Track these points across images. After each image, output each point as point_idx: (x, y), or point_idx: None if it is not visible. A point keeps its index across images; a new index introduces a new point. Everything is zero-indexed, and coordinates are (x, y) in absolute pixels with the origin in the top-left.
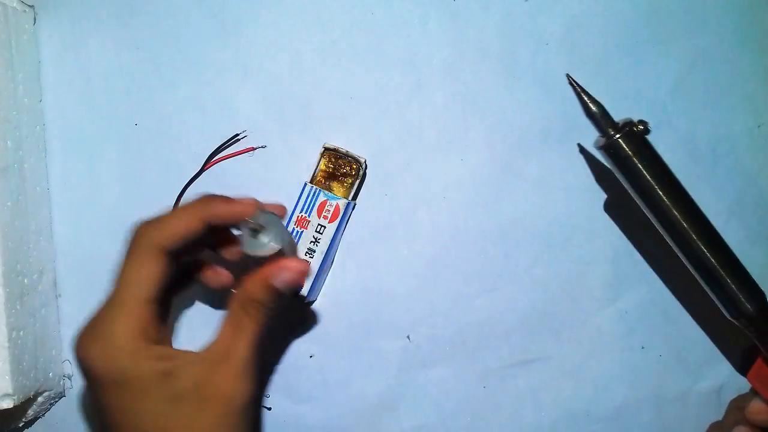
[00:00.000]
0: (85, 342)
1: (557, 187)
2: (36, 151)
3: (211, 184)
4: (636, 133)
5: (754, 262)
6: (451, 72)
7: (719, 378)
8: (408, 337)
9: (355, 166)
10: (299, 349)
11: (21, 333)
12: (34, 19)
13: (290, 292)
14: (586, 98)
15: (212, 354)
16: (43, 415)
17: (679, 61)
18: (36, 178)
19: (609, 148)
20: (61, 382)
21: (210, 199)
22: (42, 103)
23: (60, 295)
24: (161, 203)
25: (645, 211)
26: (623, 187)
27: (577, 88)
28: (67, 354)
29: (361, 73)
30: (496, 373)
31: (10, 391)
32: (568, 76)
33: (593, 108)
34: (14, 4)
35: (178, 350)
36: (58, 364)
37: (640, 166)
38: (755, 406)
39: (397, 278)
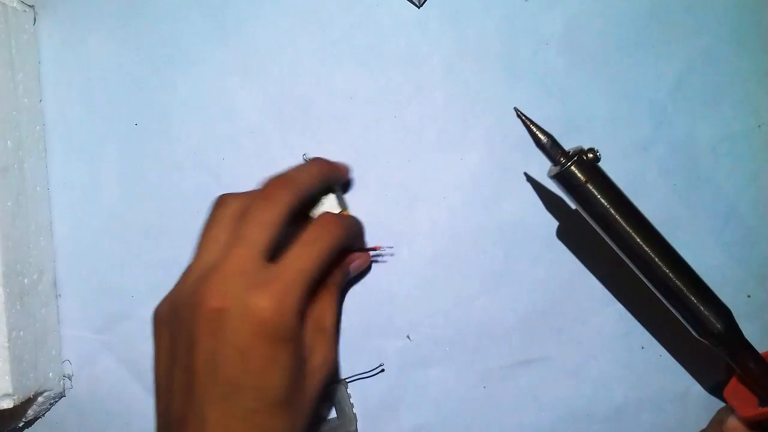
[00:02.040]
0: (261, 296)
1: (557, 186)
2: (36, 151)
3: (211, 183)
4: (587, 160)
5: (754, 262)
6: (451, 72)
7: (719, 378)
8: (408, 337)
9: None
10: None
11: (21, 333)
12: (34, 19)
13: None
14: (534, 129)
15: (312, 327)
16: (43, 415)
17: (679, 61)
18: (36, 178)
19: (561, 176)
20: (61, 382)
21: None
22: (42, 103)
23: (60, 295)
24: (161, 203)
25: (604, 237)
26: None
27: (525, 120)
28: (67, 354)
29: (361, 73)
30: (496, 373)
31: (10, 391)
32: (516, 109)
33: (543, 139)
34: (14, 4)
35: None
36: (58, 364)
37: (594, 192)
38: (732, 423)
39: (397, 278)
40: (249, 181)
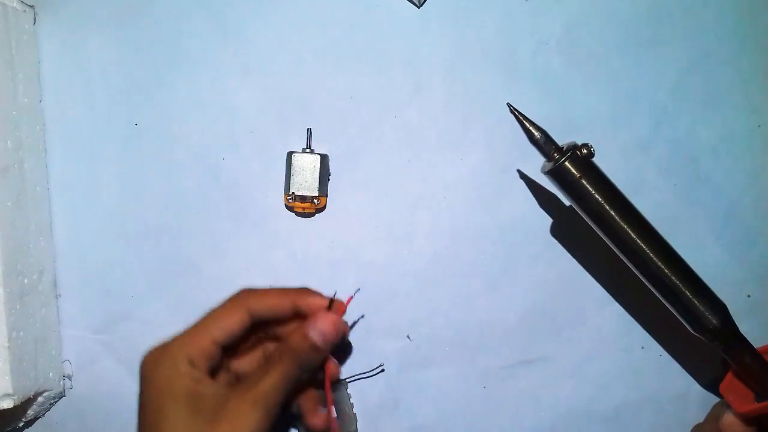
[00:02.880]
0: (151, 351)
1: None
2: (36, 151)
3: (211, 183)
4: (581, 156)
5: (753, 262)
6: (451, 72)
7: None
8: (408, 337)
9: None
10: None
11: (21, 333)
12: (34, 19)
13: (327, 347)
14: (527, 124)
15: (241, 384)
16: (43, 415)
17: (679, 61)
18: (36, 178)
19: (555, 172)
20: (61, 382)
21: (307, 292)
22: (42, 103)
23: (60, 295)
24: (161, 203)
25: (599, 233)
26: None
27: (518, 116)
28: (67, 354)
29: (361, 73)
30: (496, 373)
31: (10, 391)
32: (509, 105)
33: (536, 134)
34: (14, 4)
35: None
36: (58, 364)
37: (588, 187)
38: (728, 419)
39: (397, 278)
40: (249, 181)
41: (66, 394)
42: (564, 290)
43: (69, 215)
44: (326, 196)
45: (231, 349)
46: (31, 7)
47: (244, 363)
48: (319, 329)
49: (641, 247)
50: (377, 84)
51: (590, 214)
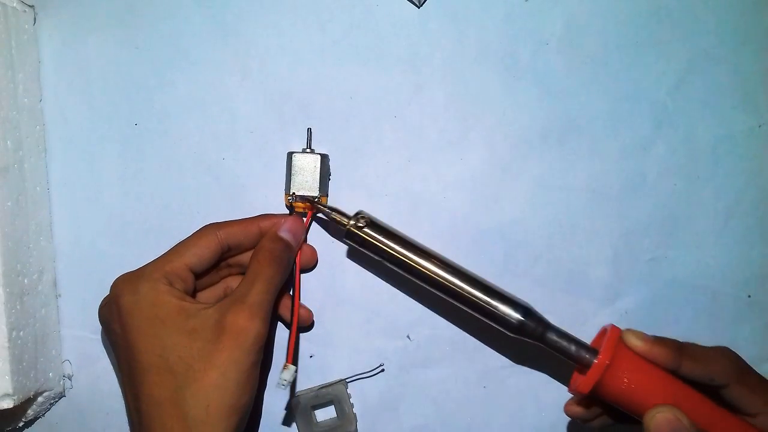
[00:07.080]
0: (121, 280)
1: (557, 187)
2: (36, 151)
3: (211, 184)
4: (359, 225)
5: (753, 262)
6: (451, 72)
7: None
8: (408, 337)
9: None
10: (299, 349)
11: (21, 333)
12: (34, 19)
13: (297, 243)
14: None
15: (229, 299)
16: (43, 415)
17: (679, 61)
18: (36, 178)
19: (347, 235)
20: (61, 382)
21: (267, 216)
22: (42, 103)
23: (60, 295)
24: (161, 203)
25: (404, 275)
26: None
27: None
28: (67, 354)
29: (361, 73)
30: (496, 373)
31: (10, 391)
32: (316, 203)
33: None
34: (14, 4)
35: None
36: (58, 364)
37: (379, 244)
38: (566, 405)
39: (397, 278)
40: (249, 181)
41: (66, 394)
42: (564, 290)
43: (69, 215)
44: (327, 195)
45: (200, 277)
46: (31, 7)
47: (207, 297)
48: (287, 228)
49: (442, 276)
50: (377, 84)
51: (392, 263)
